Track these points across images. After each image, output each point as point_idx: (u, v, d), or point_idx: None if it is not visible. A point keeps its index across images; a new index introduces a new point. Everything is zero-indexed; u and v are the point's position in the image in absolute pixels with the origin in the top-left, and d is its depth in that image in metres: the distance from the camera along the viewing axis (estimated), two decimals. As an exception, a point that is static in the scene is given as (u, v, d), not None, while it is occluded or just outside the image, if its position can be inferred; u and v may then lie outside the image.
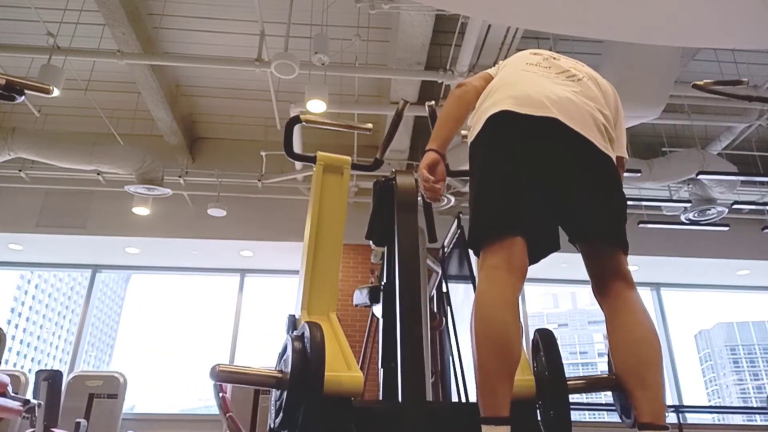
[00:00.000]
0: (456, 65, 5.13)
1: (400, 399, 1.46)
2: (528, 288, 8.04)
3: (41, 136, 6.01)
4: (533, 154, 1.45)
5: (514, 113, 1.48)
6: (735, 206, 6.57)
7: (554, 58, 1.70)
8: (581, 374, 1.52)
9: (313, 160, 1.89)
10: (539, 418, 1.50)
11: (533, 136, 1.46)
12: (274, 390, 1.45)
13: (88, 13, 5.06)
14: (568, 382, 1.47)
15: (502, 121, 1.49)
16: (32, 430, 3.06)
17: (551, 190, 1.46)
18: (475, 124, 1.61)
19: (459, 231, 5.25)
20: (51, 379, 3.27)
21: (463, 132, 2.12)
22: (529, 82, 1.57)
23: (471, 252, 1.57)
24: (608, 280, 1.42)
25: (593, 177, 1.45)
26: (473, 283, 4.38)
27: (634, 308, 1.36)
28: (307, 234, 1.81)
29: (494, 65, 1.83)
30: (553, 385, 1.43)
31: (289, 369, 1.37)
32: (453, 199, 6.56)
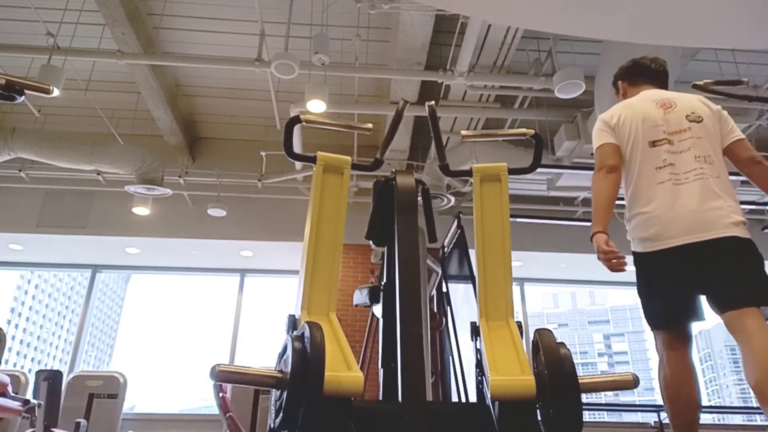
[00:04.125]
0: (456, 65, 5.13)
1: (400, 399, 1.46)
2: (528, 288, 8.04)
3: (41, 136, 6.02)
4: None
5: None
6: (735, 206, 6.56)
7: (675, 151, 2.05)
8: (581, 374, 1.52)
9: (313, 160, 1.89)
10: (539, 418, 1.50)
11: None
12: (274, 390, 1.45)
13: (88, 13, 5.05)
14: (586, 381, 1.48)
15: None
16: (32, 430, 3.06)
17: None
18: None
19: (459, 231, 5.27)
20: (51, 379, 3.27)
21: (463, 132, 2.13)
22: None
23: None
24: None
25: None
26: (473, 283, 4.38)
27: None
28: (307, 234, 1.81)
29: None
30: (564, 384, 1.43)
31: (289, 369, 1.37)
32: (453, 199, 6.56)
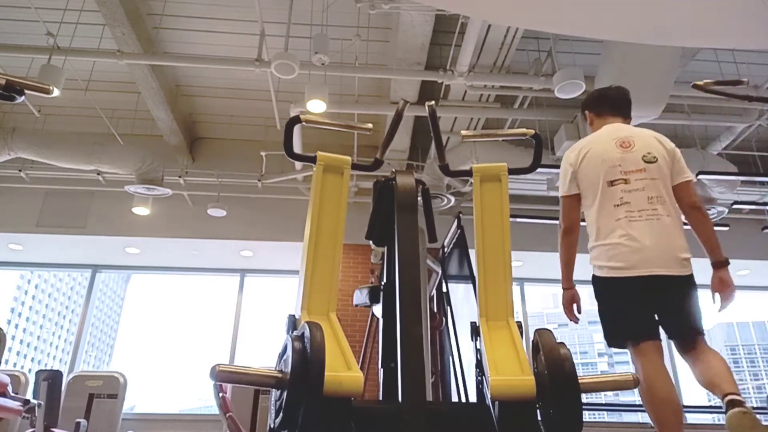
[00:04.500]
0: (456, 65, 5.13)
1: (400, 399, 1.46)
2: (528, 288, 8.04)
3: (41, 136, 6.01)
4: None
5: None
6: (735, 206, 6.56)
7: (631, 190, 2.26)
8: (582, 374, 1.52)
9: (313, 160, 1.88)
10: (540, 418, 1.50)
11: None
12: (274, 390, 1.45)
13: (88, 13, 5.06)
14: (586, 381, 1.48)
15: None
16: (32, 430, 3.06)
17: None
18: None
19: (459, 231, 5.27)
20: (51, 379, 3.28)
21: (463, 132, 2.13)
22: None
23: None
24: None
25: None
26: (473, 283, 4.39)
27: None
28: (307, 234, 1.81)
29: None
30: (564, 384, 1.43)
31: (289, 369, 1.37)
32: (453, 199, 6.56)
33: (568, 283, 2.41)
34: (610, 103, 2.59)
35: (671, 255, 2.14)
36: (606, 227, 2.25)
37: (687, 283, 2.16)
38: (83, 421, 3.99)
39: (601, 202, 2.29)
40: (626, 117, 2.57)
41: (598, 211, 2.30)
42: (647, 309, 2.15)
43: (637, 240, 2.16)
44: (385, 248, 2.00)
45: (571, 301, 2.39)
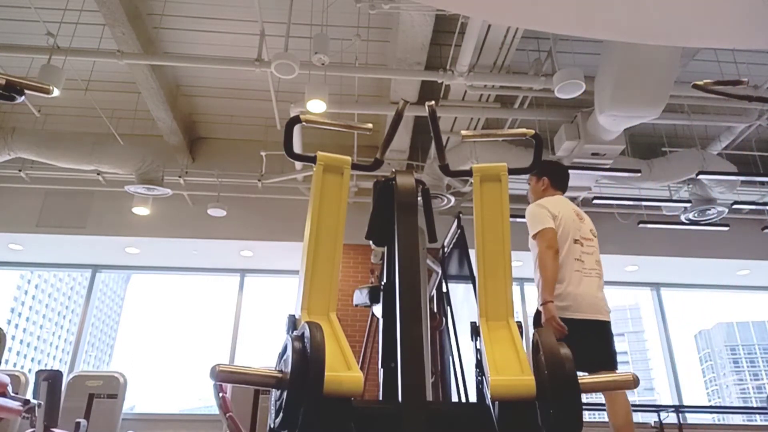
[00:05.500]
0: (456, 65, 5.13)
1: (400, 399, 1.46)
2: (528, 288, 8.04)
3: (41, 136, 6.02)
4: None
5: None
6: (735, 206, 6.57)
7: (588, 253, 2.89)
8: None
9: (313, 160, 1.88)
10: (539, 419, 1.50)
11: None
12: (274, 390, 1.45)
13: (88, 13, 5.06)
14: (586, 381, 1.48)
15: None
16: (32, 430, 3.06)
17: None
18: None
19: (459, 231, 5.27)
20: (51, 379, 3.27)
21: (463, 132, 2.13)
22: None
23: None
24: None
25: None
26: (473, 283, 4.38)
27: None
28: (307, 234, 1.81)
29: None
30: (564, 384, 1.42)
31: (289, 369, 1.37)
32: (453, 199, 6.56)
33: (553, 296, 2.75)
34: (565, 181, 3.20)
35: (605, 305, 2.82)
36: (565, 275, 2.80)
37: (610, 328, 2.81)
38: (83, 421, 3.99)
39: (566, 254, 2.85)
40: (565, 191, 3.21)
41: (562, 260, 2.83)
42: (590, 346, 2.63)
43: (583, 291, 2.75)
44: (385, 248, 2.00)
45: (555, 312, 2.69)
